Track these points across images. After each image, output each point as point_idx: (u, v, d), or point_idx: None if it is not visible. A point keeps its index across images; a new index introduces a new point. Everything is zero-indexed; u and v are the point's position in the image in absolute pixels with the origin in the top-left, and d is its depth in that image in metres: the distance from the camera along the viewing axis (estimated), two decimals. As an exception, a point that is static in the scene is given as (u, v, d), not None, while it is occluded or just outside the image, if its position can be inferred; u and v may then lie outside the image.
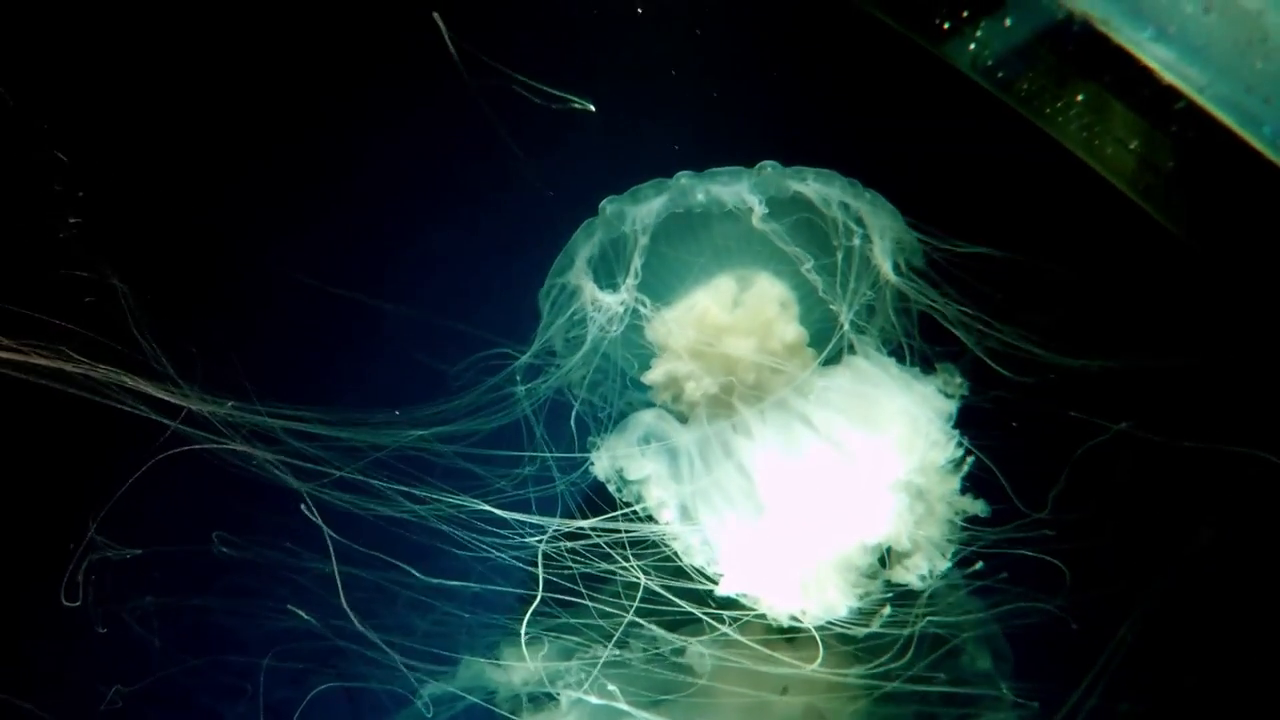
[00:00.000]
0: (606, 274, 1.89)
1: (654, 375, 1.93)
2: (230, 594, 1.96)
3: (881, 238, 1.86)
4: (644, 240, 1.83)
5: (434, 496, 1.85)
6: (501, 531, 1.85)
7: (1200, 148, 1.73)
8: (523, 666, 1.93)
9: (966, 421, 1.83)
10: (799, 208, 1.85)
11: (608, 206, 1.85)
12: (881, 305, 1.96)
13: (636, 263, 1.84)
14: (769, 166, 1.84)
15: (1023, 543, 1.85)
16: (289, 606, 1.92)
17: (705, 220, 1.88)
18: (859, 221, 1.86)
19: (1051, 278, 2.02)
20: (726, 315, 1.92)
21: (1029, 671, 1.97)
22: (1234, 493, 1.92)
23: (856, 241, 1.85)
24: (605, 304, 1.86)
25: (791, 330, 1.91)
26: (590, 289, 1.87)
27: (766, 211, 1.80)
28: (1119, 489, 1.96)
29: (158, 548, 1.93)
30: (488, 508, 1.84)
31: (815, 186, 1.82)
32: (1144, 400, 1.98)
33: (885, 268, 1.86)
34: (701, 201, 1.83)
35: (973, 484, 1.85)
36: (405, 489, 1.85)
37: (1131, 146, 1.82)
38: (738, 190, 1.81)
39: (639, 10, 2.00)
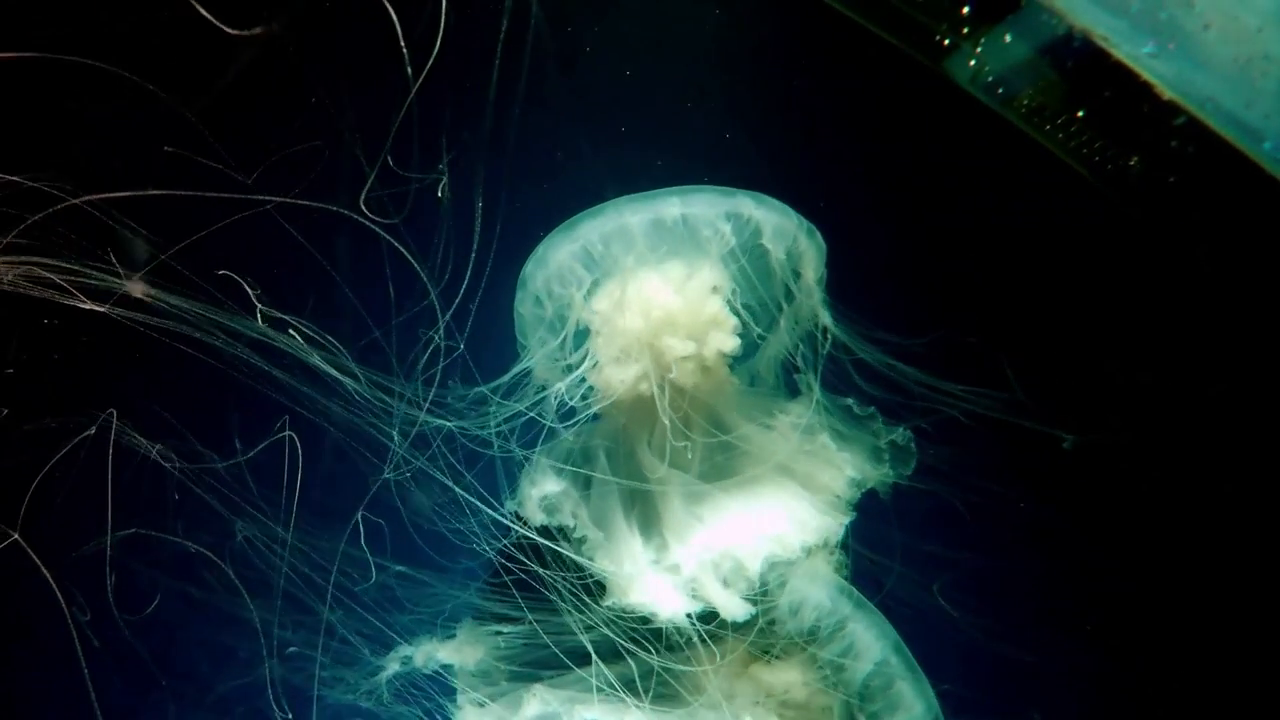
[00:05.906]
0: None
1: (602, 376, 1.92)
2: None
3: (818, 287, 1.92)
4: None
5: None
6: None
7: (1200, 163, 1.73)
8: (477, 648, 2.00)
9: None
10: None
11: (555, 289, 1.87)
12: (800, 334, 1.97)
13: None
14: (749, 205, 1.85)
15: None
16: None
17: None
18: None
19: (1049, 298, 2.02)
20: (673, 298, 1.89)
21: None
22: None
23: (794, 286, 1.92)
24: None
25: (728, 321, 1.92)
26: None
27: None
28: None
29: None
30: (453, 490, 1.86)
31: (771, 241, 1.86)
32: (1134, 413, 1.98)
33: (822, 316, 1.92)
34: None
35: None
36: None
37: (1132, 162, 1.82)
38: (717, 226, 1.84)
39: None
